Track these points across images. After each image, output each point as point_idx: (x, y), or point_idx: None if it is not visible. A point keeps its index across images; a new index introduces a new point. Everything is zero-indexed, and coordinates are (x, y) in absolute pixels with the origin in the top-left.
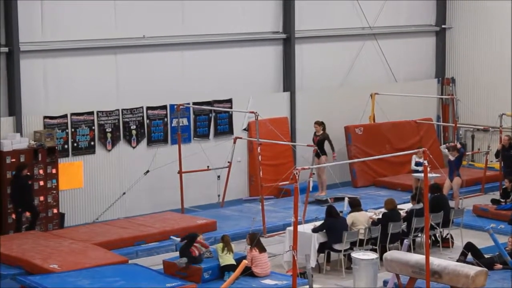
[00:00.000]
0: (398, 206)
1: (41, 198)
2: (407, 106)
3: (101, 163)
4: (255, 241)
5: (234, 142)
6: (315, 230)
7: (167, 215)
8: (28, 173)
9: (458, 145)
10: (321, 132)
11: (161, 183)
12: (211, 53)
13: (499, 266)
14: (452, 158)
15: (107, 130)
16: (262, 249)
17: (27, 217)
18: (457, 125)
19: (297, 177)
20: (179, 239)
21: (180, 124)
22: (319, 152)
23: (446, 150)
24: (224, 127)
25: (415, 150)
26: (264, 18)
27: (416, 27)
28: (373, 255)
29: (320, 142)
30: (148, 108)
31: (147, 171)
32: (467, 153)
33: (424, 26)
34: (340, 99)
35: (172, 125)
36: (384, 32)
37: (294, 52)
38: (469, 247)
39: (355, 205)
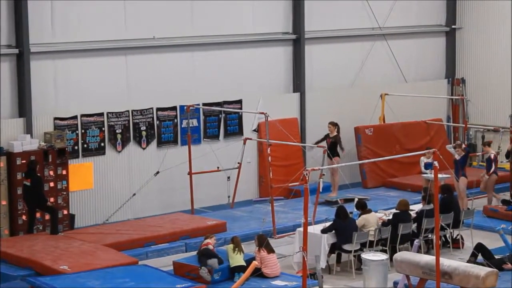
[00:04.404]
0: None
1: (52, 199)
2: (417, 106)
3: (111, 164)
4: (264, 242)
5: (244, 143)
6: (324, 230)
7: (177, 216)
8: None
9: (463, 145)
10: (335, 133)
11: (171, 184)
12: (221, 54)
13: (509, 266)
14: (457, 157)
15: (117, 131)
16: (270, 250)
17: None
18: (467, 125)
19: (307, 178)
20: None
21: (190, 125)
22: (332, 153)
23: (452, 149)
24: (234, 128)
25: (424, 151)
26: (274, 18)
27: (426, 27)
28: (383, 256)
29: (333, 144)
30: (158, 109)
31: (157, 172)
32: (477, 154)
33: (434, 26)
34: (350, 99)
35: (182, 126)
36: (394, 33)
37: (304, 52)
38: (480, 248)
39: (364, 207)
